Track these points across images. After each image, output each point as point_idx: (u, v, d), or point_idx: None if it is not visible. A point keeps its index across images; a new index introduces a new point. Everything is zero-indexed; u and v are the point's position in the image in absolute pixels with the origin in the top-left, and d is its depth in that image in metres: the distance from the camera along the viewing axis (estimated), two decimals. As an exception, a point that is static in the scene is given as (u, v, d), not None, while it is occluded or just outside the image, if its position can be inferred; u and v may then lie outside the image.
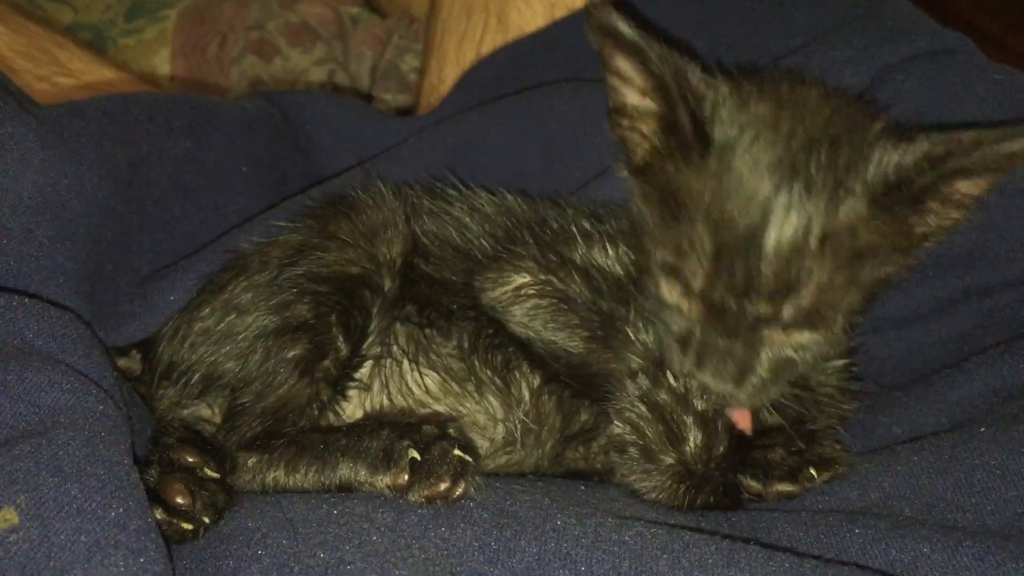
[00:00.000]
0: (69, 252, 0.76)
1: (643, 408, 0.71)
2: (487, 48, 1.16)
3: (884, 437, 0.79)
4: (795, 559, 0.61)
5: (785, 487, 0.73)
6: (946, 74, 0.91)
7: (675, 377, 0.71)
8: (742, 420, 0.74)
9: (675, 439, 0.71)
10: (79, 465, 0.58)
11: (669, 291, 0.71)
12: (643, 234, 0.74)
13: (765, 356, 0.69)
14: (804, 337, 0.69)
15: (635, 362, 0.75)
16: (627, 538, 0.62)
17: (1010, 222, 0.85)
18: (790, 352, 0.70)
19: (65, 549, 0.54)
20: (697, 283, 0.69)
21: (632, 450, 0.72)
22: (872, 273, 0.69)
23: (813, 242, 0.65)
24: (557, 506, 0.66)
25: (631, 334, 0.76)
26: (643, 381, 0.72)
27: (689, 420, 0.70)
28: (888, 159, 0.67)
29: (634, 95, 0.74)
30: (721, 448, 0.71)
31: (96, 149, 0.81)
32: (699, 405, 0.71)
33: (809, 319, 0.68)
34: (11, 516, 0.54)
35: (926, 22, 0.98)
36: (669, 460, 0.71)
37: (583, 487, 0.74)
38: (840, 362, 0.81)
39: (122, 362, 0.83)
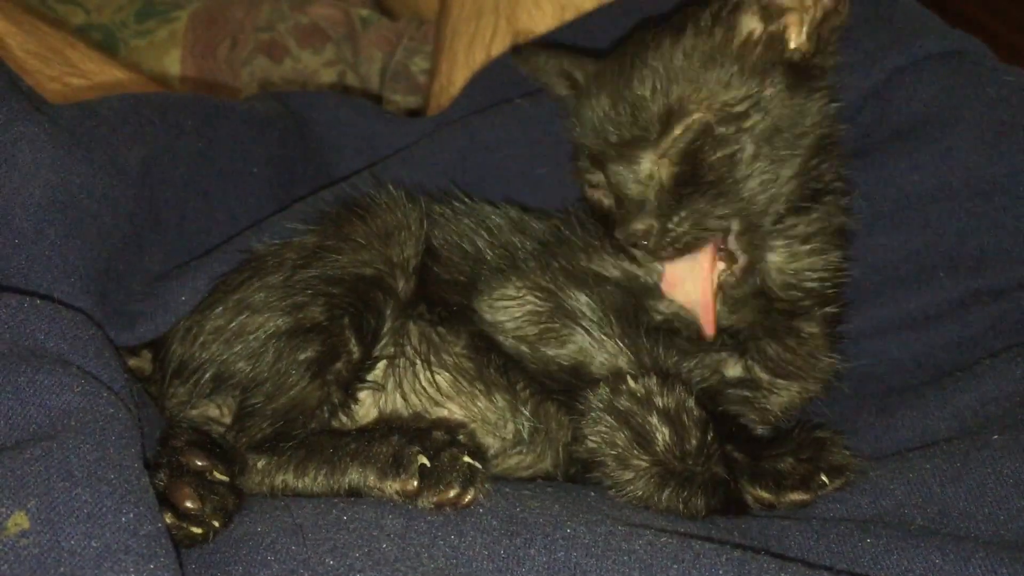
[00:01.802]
0: (81, 252, 0.76)
1: (609, 418, 0.72)
2: (497, 50, 1.16)
3: (895, 441, 0.79)
4: (807, 569, 0.60)
5: (798, 496, 0.72)
6: (956, 76, 0.91)
7: (634, 380, 0.72)
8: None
9: (644, 441, 0.71)
10: (90, 469, 0.58)
11: (587, 177, 0.86)
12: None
13: (658, 178, 0.79)
14: (681, 138, 0.78)
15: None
16: (637, 547, 0.61)
17: (1021, 223, 0.85)
18: (681, 166, 0.78)
19: (75, 554, 0.54)
20: (586, 152, 0.84)
21: (609, 462, 0.72)
22: (741, 74, 0.79)
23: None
24: (567, 513, 0.66)
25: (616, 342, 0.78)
26: (603, 392, 0.73)
27: (653, 419, 0.71)
28: None
29: None
30: (693, 440, 0.71)
31: (108, 149, 0.81)
32: (660, 402, 0.71)
33: (675, 119, 0.78)
34: (22, 520, 0.54)
35: (936, 24, 0.98)
36: (643, 463, 0.71)
37: (593, 493, 0.74)
38: (828, 310, 0.83)
39: (133, 362, 0.83)
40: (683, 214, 0.77)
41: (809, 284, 0.82)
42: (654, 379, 0.73)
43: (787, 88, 0.79)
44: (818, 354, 0.82)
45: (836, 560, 0.63)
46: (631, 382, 0.72)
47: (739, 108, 0.78)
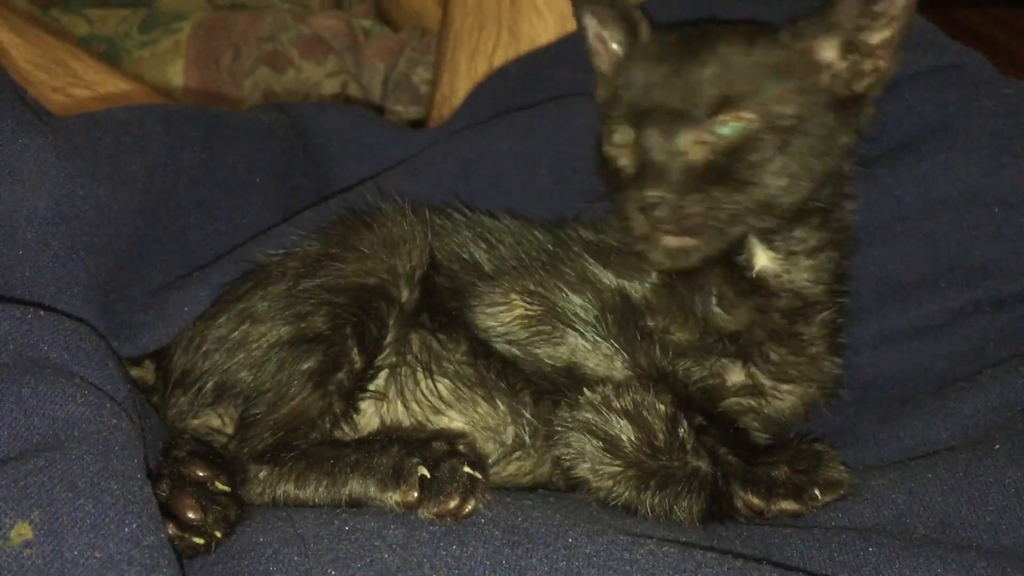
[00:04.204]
0: (84, 263, 0.76)
1: (574, 434, 0.73)
2: (499, 60, 1.16)
3: (896, 450, 0.79)
4: (808, 578, 0.60)
5: (789, 505, 0.72)
6: (954, 88, 0.91)
7: (590, 390, 0.73)
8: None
9: (612, 447, 0.71)
10: (93, 480, 0.58)
11: (614, 137, 0.83)
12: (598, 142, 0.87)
13: (689, 155, 0.78)
14: (726, 129, 0.78)
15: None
16: (639, 556, 0.61)
17: (1022, 234, 0.85)
18: (718, 156, 0.78)
19: (79, 565, 0.54)
20: (623, 110, 0.82)
21: (586, 475, 0.73)
22: (798, 93, 0.80)
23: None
24: (569, 523, 0.66)
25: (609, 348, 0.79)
26: (564, 412, 0.74)
27: (614, 422, 0.71)
28: None
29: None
30: (660, 435, 0.71)
31: (112, 160, 0.81)
32: (618, 404, 0.72)
33: (727, 109, 0.78)
34: (25, 531, 0.54)
35: (935, 36, 0.98)
36: (617, 468, 0.71)
37: (594, 502, 0.74)
38: (827, 314, 0.83)
39: (135, 372, 0.83)
40: (699, 196, 0.77)
41: (804, 285, 0.82)
42: (610, 386, 0.74)
43: (830, 117, 0.80)
44: (821, 357, 0.83)
45: (838, 569, 0.63)
46: (587, 392, 0.73)
47: (784, 123, 0.78)
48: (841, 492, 0.73)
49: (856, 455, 0.79)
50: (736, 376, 0.81)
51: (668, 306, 0.81)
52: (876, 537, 0.65)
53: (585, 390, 0.74)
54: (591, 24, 0.93)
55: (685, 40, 0.84)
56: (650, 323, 0.81)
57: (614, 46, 0.92)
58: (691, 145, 0.78)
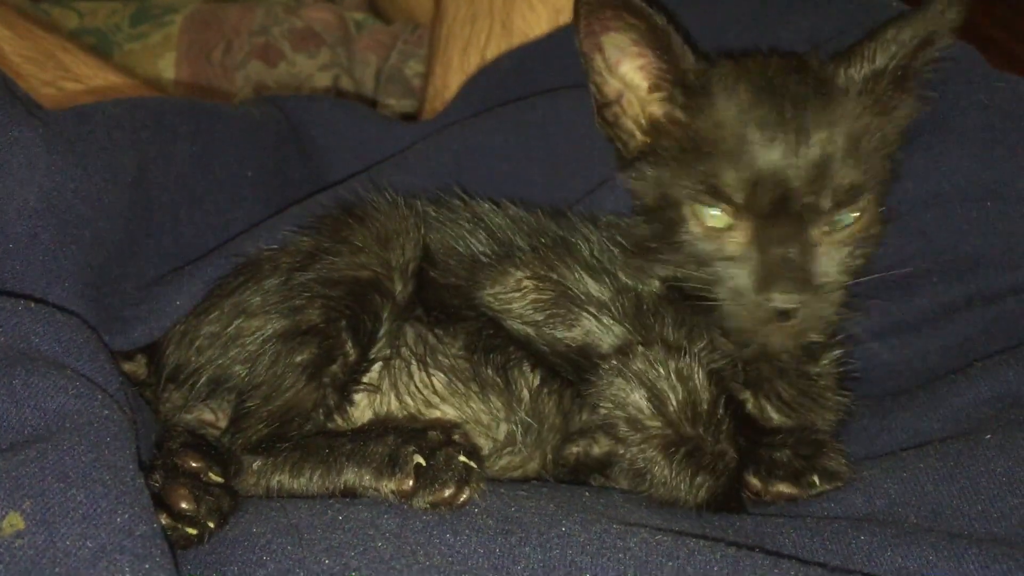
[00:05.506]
0: (75, 256, 0.76)
1: (620, 380, 0.73)
2: (491, 53, 1.16)
3: (888, 443, 0.79)
4: (800, 566, 0.61)
5: (787, 488, 0.73)
6: (948, 82, 0.91)
7: (644, 345, 0.74)
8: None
9: (657, 401, 0.72)
10: (85, 470, 0.58)
11: (713, 219, 0.76)
12: (664, 199, 0.80)
13: (819, 253, 0.74)
14: (845, 216, 0.75)
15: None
16: (632, 545, 0.62)
17: (1013, 228, 0.86)
18: (841, 238, 0.75)
19: (70, 555, 0.54)
20: (739, 197, 0.74)
21: (620, 424, 0.73)
22: (873, 136, 0.77)
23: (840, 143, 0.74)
24: (562, 512, 0.66)
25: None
26: (613, 359, 0.74)
27: (666, 379, 0.72)
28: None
29: (628, 64, 0.83)
30: (704, 405, 0.72)
31: (102, 154, 0.81)
32: (673, 364, 0.72)
33: (858, 198, 0.75)
34: (17, 521, 0.54)
35: None
36: (656, 424, 0.72)
37: (587, 492, 0.74)
38: (836, 352, 0.83)
39: (127, 366, 0.83)
40: (821, 288, 0.74)
41: (813, 340, 0.81)
42: (662, 347, 0.74)
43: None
44: (828, 396, 0.82)
45: (830, 558, 0.63)
46: (641, 347, 0.74)
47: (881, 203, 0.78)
48: (838, 484, 0.73)
49: (848, 447, 0.79)
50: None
51: (675, 318, 0.81)
52: (868, 526, 0.66)
53: (639, 346, 0.74)
54: (612, 40, 0.82)
55: (778, 90, 0.76)
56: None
57: (636, 64, 0.84)
58: (820, 239, 0.75)
